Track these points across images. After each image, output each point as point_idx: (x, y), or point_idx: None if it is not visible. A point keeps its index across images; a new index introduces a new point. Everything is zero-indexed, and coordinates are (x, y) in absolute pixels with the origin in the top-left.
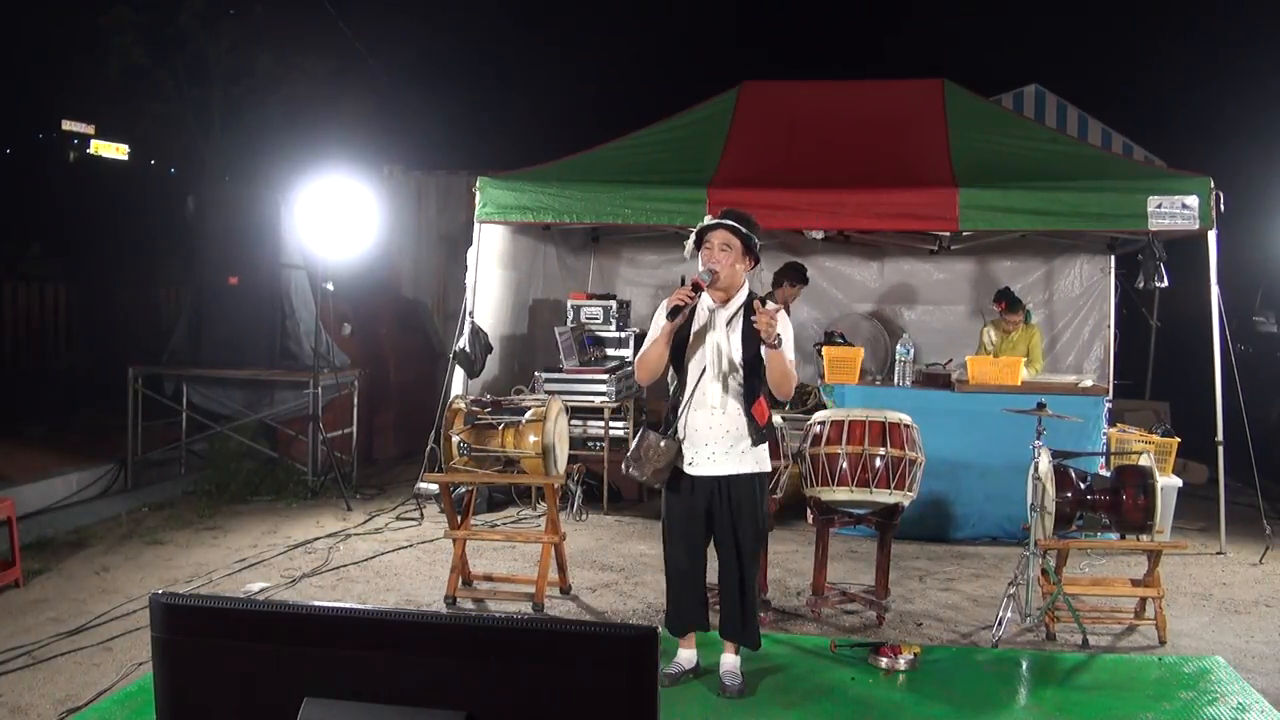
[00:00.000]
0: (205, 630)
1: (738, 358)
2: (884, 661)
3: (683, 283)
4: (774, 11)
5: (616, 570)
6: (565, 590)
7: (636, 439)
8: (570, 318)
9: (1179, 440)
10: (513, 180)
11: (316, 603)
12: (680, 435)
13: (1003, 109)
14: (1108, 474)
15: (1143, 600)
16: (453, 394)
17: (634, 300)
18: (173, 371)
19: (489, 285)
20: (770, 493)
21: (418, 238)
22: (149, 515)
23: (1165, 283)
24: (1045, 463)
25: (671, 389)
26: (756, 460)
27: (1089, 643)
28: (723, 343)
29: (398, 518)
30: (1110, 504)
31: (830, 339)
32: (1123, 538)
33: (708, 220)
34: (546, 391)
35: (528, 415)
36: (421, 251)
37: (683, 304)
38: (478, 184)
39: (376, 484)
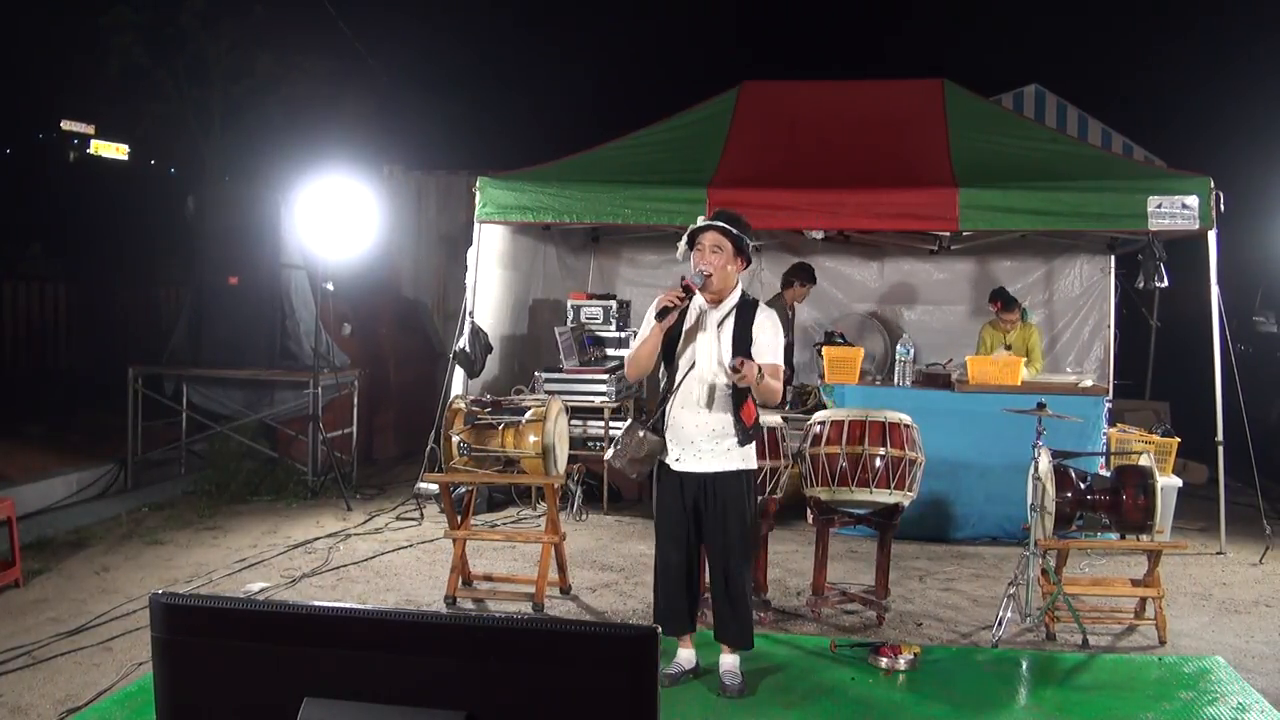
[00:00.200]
0: (205, 630)
1: (727, 359)
2: (884, 661)
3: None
4: (774, 11)
5: (616, 570)
6: (565, 590)
7: (624, 429)
8: (570, 318)
9: (1179, 440)
10: (513, 180)
11: (316, 603)
12: (665, 431)
13: (1003, 109)
14: (1108, 474)
15: (1143, 600)
16: (453, 394)
17: (634, 300)
18: (173, 371)
19: (489, 285)
20: (770, 493)
21: (418, 238)
22: (149, 515)
23: (1165, 283)
24: (1045, 463)
25: (662, 385)
26: (743, 458)
27: (1089, 643)
28: (712, 344)
29: (398, 518)
30: (1110, 504)
31: (830, 339)
32: (1123, 538)
33: (699, 222)
34: (546, 391)
35: (528, 415)
36: (421, 251)
37: (672, 306)
38: (478, 184)
39: (376, 484)
